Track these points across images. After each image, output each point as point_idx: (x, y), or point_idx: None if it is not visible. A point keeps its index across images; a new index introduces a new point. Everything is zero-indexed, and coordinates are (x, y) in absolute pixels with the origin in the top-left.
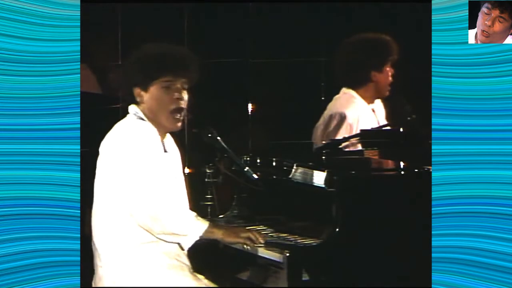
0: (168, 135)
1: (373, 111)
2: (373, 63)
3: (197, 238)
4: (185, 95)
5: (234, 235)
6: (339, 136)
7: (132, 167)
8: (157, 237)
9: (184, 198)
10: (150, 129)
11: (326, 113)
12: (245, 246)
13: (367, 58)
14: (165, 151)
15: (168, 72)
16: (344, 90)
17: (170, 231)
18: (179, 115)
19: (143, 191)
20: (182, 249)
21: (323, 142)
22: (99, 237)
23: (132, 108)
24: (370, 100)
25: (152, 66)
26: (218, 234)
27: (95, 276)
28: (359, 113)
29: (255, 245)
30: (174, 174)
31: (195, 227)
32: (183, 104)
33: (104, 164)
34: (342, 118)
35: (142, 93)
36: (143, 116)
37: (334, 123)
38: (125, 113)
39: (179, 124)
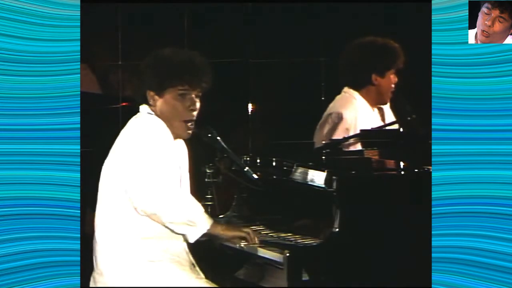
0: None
1: (379, 109)
2: (375, 66)
3: (205, 231)
4: (198, 104)
5: (233, 230)
6: (337, 136)
7: (148, 155)
8: (165, 226)
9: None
10: (163, 124)
11: (326, 113)
12: (242, 244)
13: (370, 60)
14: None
15: (186, 81)
16: (345, 89)
17: (180, 220)
18: (190, 124)
19: (158, 177)
20: (188, 241)
21: (323, 142)
22: (101, 229)
23: (143, 107)
24: (371, 104)
25: (170, 73)
26: (219, 229)
27: (94, 271)
28: (357, 114)
29: (251, 243)
30: (182, 172)
31: (204, 220)
32: (195, 114)
33: (117, 153)
34: (340, 118)
35: (156, 97)
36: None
37: (331, 123)
38: (125, 113)
39: (190, 132)
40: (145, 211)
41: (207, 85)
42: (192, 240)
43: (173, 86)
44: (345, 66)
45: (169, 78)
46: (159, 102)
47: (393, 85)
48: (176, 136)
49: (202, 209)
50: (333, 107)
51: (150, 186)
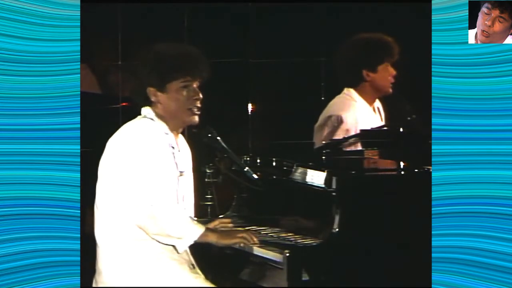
0: (180, 136)
1: (378, 110)
2: (364, 62)
3: (192, 242)
4: (200, 96)
5: (229, 237)
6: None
7: (133, 166)
8: (152, 238)
9: (190, 198)
10: (157, 129)
11: (325, 114)
12: (241, 245)
13: (357, 57)
14: (178, 150)
15: (187, 73)
16: (345, 90)
17: (165, 232)
18: (196, 110)
19: (142, 190)
20: (177, 251)
21: (323, 142)
22: (101, 232)
23: (144, 110)
24: (371, 100)
25: (171, 66)
26: (213, 238)
27: (96, 273)
28: (357, 116)
29: (250, 244)
30: (184, 174)
31: (191, 231)
32: (200, 103)
33: (107, 163)
34: (340, 121)
35: (158, 93)
36: (154, 117)
37: (331, 126)
38: (125, 113)
39: (197, 118)
40: (134, 224)
41: (206, 74)
42: (180, 250)
43: (175, 79)
44: (338, 66)
45: (170, 72)
46: (163, 98)
47: (390, 78)
48: (183, 125)
49: (188, 220)
50: (332, 109)
51: (134, 200)
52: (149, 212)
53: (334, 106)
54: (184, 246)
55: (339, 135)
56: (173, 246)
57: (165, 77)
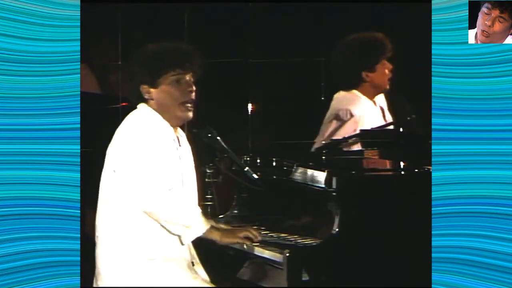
0: (179, 130)
1: (381, 108)
2: (363, 64)
3: (198, 234)
4: (194, 87)
5: (232, 236)
6: (345, 133)
7: (147, 153)
8: (161, 225)
9: (194, 194)
10: (162, 120)
11: (333, 109)
12: (244, 246)
13: (356, 59)
14: (179, 145)
15: (177, 65)
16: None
17: (175, 219)
18: (190, 105)
19: (160, 175)
20: (182, 243)
21: (323, 142)
22: (102, 229)
23: (141, 105)
24: (371, 98)
25: (160, 61)
26: (217, 236)
27: (96, 273)
28: (364, 111)
29: (254, 243)
30: (186, 169)
31: (200, 223)
32: (194, 96)
33: (118, 150)
34: (349, 115)
35: (151, 90)
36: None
37: (341, 120)
38: (125, 113)
39: (191, 114)
40: (144, 209)
41: (199, 68)
42: (186, 242)
43: (165, 73)
44: (335, 69)
45: (160, 66)
46: (155, 93)
47: (388, 73)
48: (178, 121)
49: (199, 212)
50: (339, 103)
51: (149, 185)
52: (165, 197)
53: (341, 101)
54: (189, 237)
55: (348, 129)
56: (178, 236)
57: (156, 72)
